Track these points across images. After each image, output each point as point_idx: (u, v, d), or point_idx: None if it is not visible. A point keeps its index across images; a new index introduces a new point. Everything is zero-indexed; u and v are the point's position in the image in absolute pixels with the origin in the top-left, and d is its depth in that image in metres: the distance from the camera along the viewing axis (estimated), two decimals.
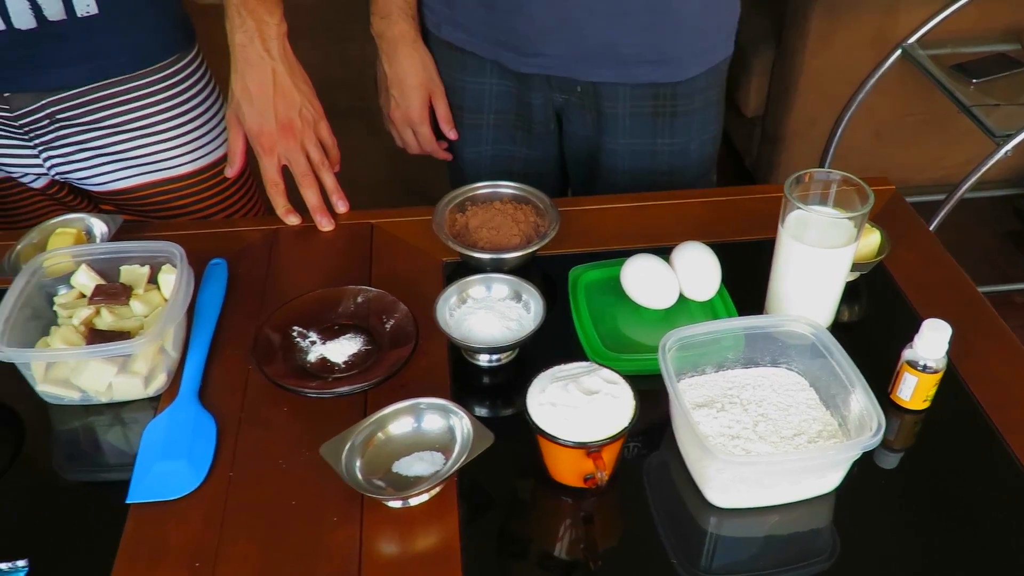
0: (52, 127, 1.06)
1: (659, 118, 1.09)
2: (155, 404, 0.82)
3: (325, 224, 1.01)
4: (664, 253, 0.90)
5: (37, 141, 1.08)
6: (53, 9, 0.96)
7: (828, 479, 0.71)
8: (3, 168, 1.11)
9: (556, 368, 0.74)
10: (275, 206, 1.02)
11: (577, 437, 0.68)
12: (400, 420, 0.74)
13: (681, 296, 0.88)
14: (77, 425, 0.81)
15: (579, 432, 0.69)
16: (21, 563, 0.68)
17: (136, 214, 1.16)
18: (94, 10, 0.98)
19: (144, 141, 1.10)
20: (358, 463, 0.72)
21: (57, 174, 1.12)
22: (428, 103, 1.12)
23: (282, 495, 0.74)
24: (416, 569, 0.68)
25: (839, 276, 0.81)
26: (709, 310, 0.88)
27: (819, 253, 0.78)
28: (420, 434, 0.74)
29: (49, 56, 1.00)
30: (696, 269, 0.87)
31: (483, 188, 0.98)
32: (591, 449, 0.68)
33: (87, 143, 1.09)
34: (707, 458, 0.68)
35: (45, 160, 1.10)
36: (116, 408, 0.82)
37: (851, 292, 0.90)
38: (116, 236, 0.95)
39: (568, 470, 0.71)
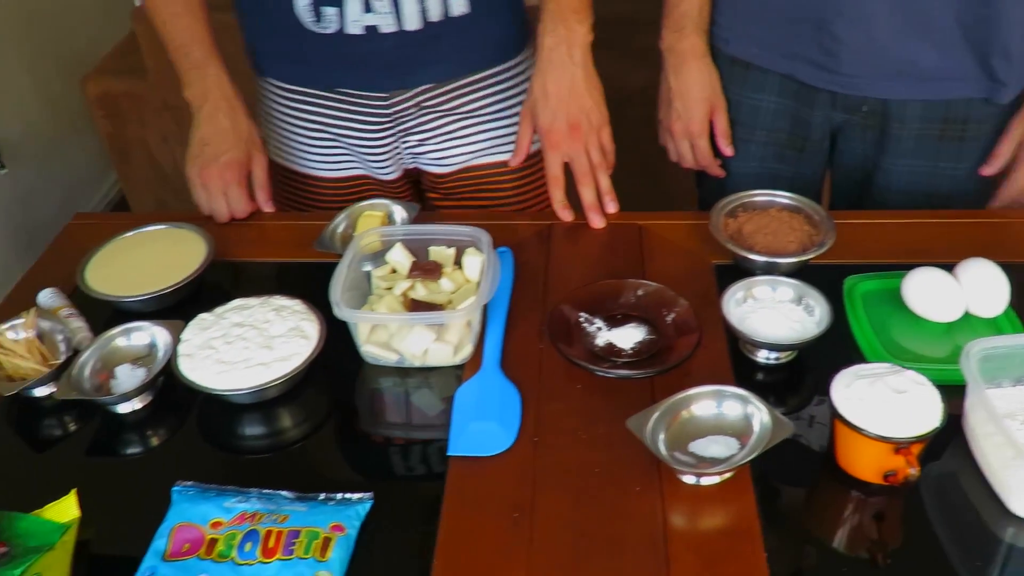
0: (417, 113, 1.19)
1: (945, 141, 1.09)
2: (458, 372, 0.90)
3: (597, 221, 1.08)
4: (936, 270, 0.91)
5: (400, 128, 1.20)
6: (436, 11, 1.08)
7: None
8: (365, 160, 1.23)
9: (858, 367, 0.77)
10: (553, 199, 1.10)
11: (887, 432, 0.71)
12: (703, 403, 0.79)
13: (964, 312, 0.89)
14: (391, 384, 0.91)
15: (888, 428, 0.71)
16: (367, 495, 0.77)
17: (452, 198, 1.27)
18: (466, 9, 1.09)
19: (488, 126, 1.21)
20: (661, 437, 0.77)
21: (409, 156, 1.24)
22: (709, 117, 1.17)
23: (585, 462, 0.80)
24: (719, 542, 0.73)
25: None
26: (993, 327, 0.89)
27: None
28: (719, 419, 0.79)
29: (427, 54, 1.12)
30: (985, 285, 0.88)
31: (758, 196, 1.02)
32: (901, 445, 0.71)
33: (442, 127, 1.20)
34: (1020, 466, 0.69)
35: (403, 143, 1.22)
36: (425, 372, 0.91)
37: None
38: (413, 222, 1.06)
39: (869, 465, 0.74)
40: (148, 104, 2.00)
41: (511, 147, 1.19)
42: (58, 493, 0.77)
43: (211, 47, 1.11)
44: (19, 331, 0.91)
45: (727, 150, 1.19)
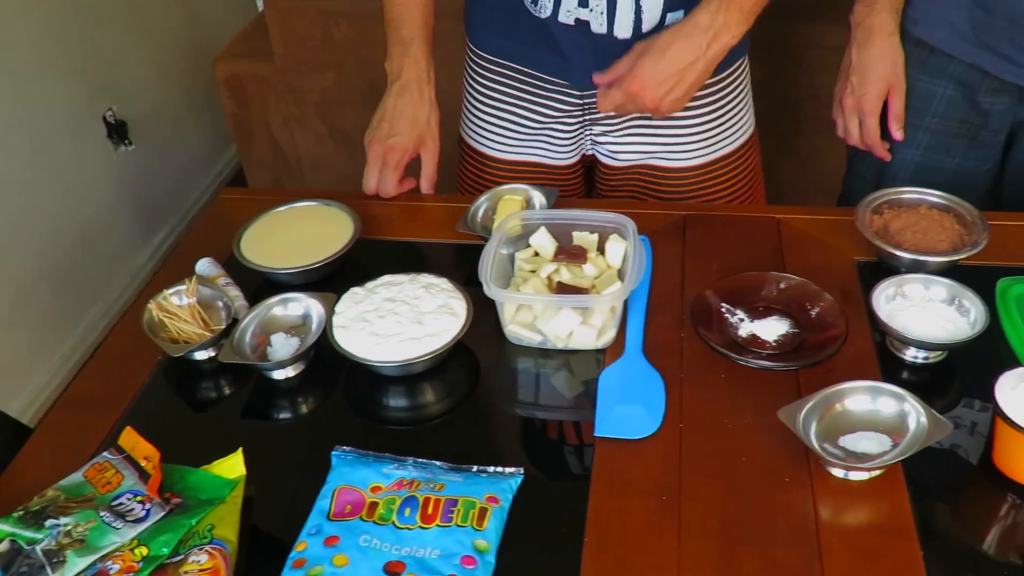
0: None
1: None
2: (598, 356, 0.92)
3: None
4: None
5: (588, 117, 1.21)
6: (651, 21, 1.08)
7: None
8: (546, 142, 1.23)
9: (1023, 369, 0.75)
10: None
11: None
12: (857, 397, 0.78)
13: None
14: (532, 364, 0.93)
15: None
16: (518, 470, 0.79)
17: (621, 192, 1.26)
18: (680, 18, 1.07)
19: (674, 129, 1.19)
20: (813, 428, 0.77)
21: (591, 143, 1.24)
22: (884, 96, 1.13)
23: (732, 451, 0.80)
24: (873, 538, 0.72)
25: None
26: None
27: None
28: (872, 415, 0.78)
29: None
30: None
31: (907, 193, 1.00)
32: None
33: (629, 120, 1.20)
34: None
35: (587, 130, 1.23)
36: (566, 355, 0.93)
37: None
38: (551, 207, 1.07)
39: None
40: (272, 87, 2.06)
41: (690, 153, 1.19)
42: (218, 451, 0.81)
43: (422, 28, 1.14)
44: (182, 297, 0.96)
45: (897, 134, 1.14)
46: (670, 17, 1.08)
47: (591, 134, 1.23)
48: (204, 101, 2.75)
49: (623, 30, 1.08)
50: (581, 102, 1.19)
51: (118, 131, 2.37)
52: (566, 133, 1.22)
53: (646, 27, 1.08)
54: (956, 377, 0.88)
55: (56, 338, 2.23)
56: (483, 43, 1.20)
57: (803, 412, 0.77)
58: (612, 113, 1.18)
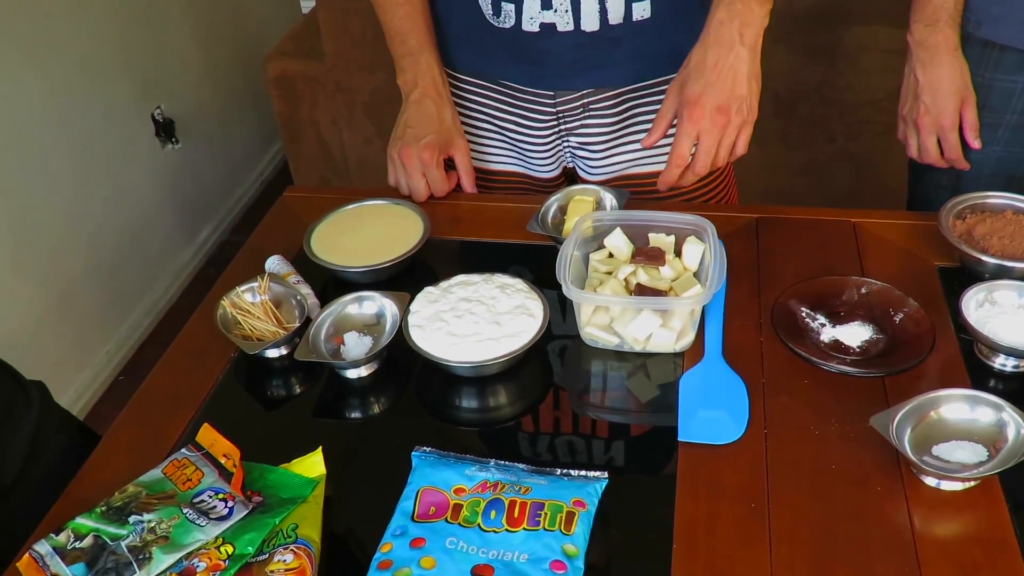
0: (583, 114, 1.18)
1: None
2: (676, 360, 0.90)
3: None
4: None
5: (563, 127, 1.20)
6: (616, 14, 1.07)
7: None
8: (526, 155, 1.24)
9: None
10: (666, 175, 1.03)
11: None
12: (954, 405, 0.77)
13: None
14: (607, 367, 0.91)
15: None
16: (603, 474, 0.77)
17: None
18: (648, 14, 1.08)
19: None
20: (907, 436, 0.75)
21: (570, 156, 1.24)
22: (959, 110, 1.12)
23: (820, 458, 0.79)
24: (973, 551, 0.70)
25: None
26: None
27: None
28: (969, 424, 0.76)
29: (603, 57, 1.11)
30: None
31: (992, 198, 0.98)
32: None
33: (605, 131, 1.19)
34: None
35: (563, 143, 1.22)
36: (642, 358, 0.91)
37: None
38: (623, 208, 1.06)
39: None
40: (322, 86, 2.07)
41: (665, 157, 1.14)
42: (292, 449, 0.80)
43: (427, 36, 1.14)
44: (255, 294, 0.96)
45: (975, 143, 1.12)
46: (636, 8, 1.06)
47: (569, 146, 1.22)
48: (249, 100, 2.77)
49: (590, 23, 1.07)
50: (555, 110, 1.17)
51: (166, 129, 2.39)
52: (544, 145, 1.22)
53: (612, 19, 1.07)
54: None
55: (102, 334, 2.25)
56: (452, 62, 1.19)
57: (896, 419, 0.75)
58: (584, 124, 1.16)
